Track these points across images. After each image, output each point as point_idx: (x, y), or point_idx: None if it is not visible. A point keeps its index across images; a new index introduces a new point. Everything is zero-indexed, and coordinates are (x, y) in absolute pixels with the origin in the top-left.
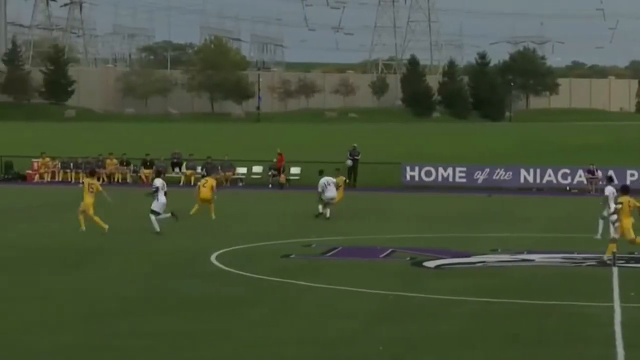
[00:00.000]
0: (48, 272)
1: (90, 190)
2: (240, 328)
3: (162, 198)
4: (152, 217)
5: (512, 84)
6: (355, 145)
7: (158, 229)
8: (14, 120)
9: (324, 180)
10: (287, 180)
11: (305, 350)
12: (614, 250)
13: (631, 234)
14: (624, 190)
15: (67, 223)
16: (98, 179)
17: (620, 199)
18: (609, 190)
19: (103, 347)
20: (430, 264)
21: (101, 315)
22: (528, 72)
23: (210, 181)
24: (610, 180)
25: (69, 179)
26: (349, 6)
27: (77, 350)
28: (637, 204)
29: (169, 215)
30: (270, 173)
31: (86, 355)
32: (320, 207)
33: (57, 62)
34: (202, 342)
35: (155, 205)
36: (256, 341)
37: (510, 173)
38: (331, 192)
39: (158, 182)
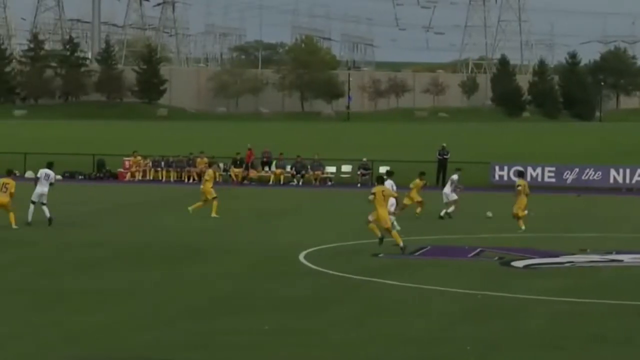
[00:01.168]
0: (137, 270)
1: (4, 190)
2: (330, 326)
3: (39, 187)
4: (32, 206)
5: (602, 83)
6: (445, 144)
7: (29, 220)
8: (107, 119)
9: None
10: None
11: (394, 349)
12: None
13: (387, 223)
14: (379, 180)
15: (156, 221)
16: (191, 177)
17: (374, 190)
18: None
19: (193, 345)
20: (519, 263)
21: (193, 313)
22: (619, 71)
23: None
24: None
25: (160, 178)
26: (440, 6)
27: (169, 347)
28: (394, 195)
29: (31, 211)
30: (359, 172)
31: (177, 351)
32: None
33: (150, 61)
34: (293, 340)
35: (33, 194)
36: (345, 340)
37: (600, 173)
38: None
39: (41, 172)
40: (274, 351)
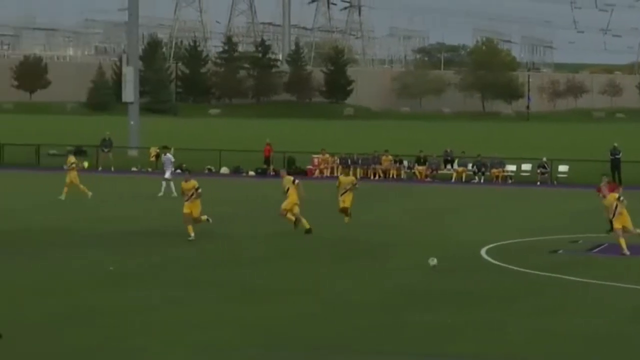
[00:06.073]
0: (325, 265)
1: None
2: (511, 321)
3: None
4: None
5: None
6: (616, 144)
7: None
8: (296, 117)
9: None
10: (556, 177)
11: (572, 345)
12: None
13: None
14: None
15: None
16: (377, 174)
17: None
18: None
19: (380, 337)
20: None
21: (377, 305)
22: None
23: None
24: None
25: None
26: (618, 8)
27: (349, 339)
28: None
29: None
30: (539, 171)
31: (355, 343)
32: None
33: (337, 62)
34: (470, 333)
35: None
36: (527, 334)
37: None
38: None
39: None
40: (450, 342)
